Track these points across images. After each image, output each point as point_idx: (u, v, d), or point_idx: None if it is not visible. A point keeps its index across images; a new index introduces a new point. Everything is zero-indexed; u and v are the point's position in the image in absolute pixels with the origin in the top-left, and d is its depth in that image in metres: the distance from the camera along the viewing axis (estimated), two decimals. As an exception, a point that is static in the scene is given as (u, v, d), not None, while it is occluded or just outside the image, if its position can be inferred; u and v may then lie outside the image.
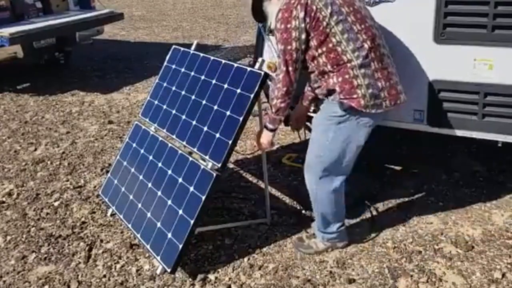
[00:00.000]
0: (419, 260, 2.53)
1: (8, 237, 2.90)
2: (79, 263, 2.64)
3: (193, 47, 3.04)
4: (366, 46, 2.22)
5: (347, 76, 2.23)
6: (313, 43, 2.24)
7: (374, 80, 2.23)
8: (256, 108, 2.60)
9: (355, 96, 2.22)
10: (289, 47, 2.25)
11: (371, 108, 2.23)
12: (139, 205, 2.75)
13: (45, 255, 2.71)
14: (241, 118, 2.45)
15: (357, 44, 2.21)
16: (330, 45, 2.21)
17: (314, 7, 2.19)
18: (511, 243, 2.63)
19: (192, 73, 2.89)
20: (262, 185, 2.84)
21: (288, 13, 2.22)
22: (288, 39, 2.23)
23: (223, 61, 2.74)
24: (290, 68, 2.27)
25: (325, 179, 2.43)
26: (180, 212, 2.48)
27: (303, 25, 2.20)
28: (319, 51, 2.24)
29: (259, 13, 2.51)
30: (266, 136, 2.51)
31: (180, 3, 12.36)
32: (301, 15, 2.19)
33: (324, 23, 2.20)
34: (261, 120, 2.70)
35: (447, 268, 2.46)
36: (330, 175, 2.41)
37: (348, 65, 2.22)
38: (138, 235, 2.66)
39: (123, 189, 2.94)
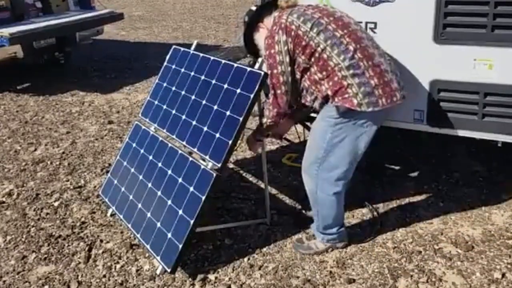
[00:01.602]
0: (419, 260, 2.53)
1: (8, 237, 2.90)
2: (79, 263, 2.64)
3: (193, 47, 3.04)
4: (350, 48, 2.24)
5: (336, 79, 2.24)
6: (302, 58, 2.31)
7: (366, 79, 2.22)
8: (256, 108, 2.60)
9: (346, 96, 2.22)
10: (275, 71, 2.35)
11: (366, 107, 2.21)
12: (139, 205, 2.75)
13: (45, 255, 2.71)
14: (241, 118, 2.45)
15: (341, 48, 2.24)
16: (317, 54, 2.27)
17: (293, 27, 2.30)
18: (511, 243, 2.63)
19: (192, 73, 2.89)
20: (262, 185, 2.84)
21: (271, 39, 2.34)
22: (274, 63, 2.34)
23: (223, 61, 2.74)
24: (278, 91, 2.38)
25: (325, 182, 2.42)
26: (180, 212, 2.48)
27: (286, 47, 2.31)
28: (309, 62, 2.31)
29: (251, 46, 2.62)
30: (255, 144, 2.69)
31: (180, 3, 12.36)
32: (283, 38, 2.31)
33: (306, 38, 2.28)
34: (261, 120, 2.70)
35: (447, 268, 2.46)
36: (330, 178, 2.40)
37: (336, 68, 2.24)
38: (138, 235, 2.66)
39: (123, 189, 2.94)
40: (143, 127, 3.08)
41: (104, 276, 2.53)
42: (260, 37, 2.51)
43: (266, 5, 2.55)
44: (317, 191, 2.46)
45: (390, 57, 2.46)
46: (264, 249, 2.67)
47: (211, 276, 2.48)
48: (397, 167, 3.47)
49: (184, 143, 2.70)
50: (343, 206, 2.54)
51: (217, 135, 2.52)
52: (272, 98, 2.41)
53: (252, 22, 2.53)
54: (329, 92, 2.26)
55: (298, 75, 2.38)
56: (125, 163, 3.05)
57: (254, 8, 2.59)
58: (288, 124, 2.80)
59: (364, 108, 2.21)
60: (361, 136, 2.31)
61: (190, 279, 2.46)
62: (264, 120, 2.47)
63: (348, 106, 2.22)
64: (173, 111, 2.88)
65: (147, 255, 2.66)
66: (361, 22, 2.63)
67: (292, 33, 2.29)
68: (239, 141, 2.53)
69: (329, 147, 2.34)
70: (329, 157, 2.36)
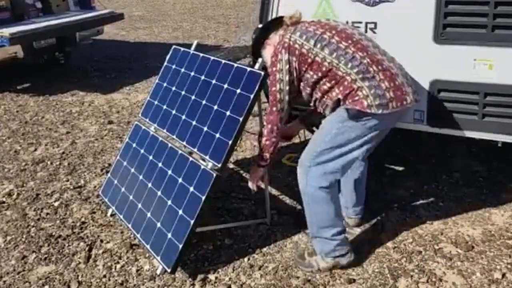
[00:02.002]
0: (419, 260, 2.53)
1: (8, 237, 2.90)
2: (79, 263, 2.64)
3: (193, 47, 3.04)
4: (357, 56, 2.24)
5: (346, 83, 2.24)
6: (310, 73, 2.32)
7: (376, 82, 2.20)
8: (256, 108, 2.60)
9: (357, 98, 2.20)
10: (273, 89, 2.38)
11: (377, 109, 2.18)
12: (139, 205, 2.75)
13: (45, 255, 2.71)
14: (241, 118, 2.45)
15: (347, 57, 2.24)
16: (324, 68, 2.27)
17: (297, 45, 2.32)
18: (511, 243, 2.63)
19: (192, 73, 2.89)
20: (262, 185, 2.84)
21: (275, 57, 2.38)
22: (273, 81, 2.37)
23: (223, 61, 2.74)
24: (274, 108, 2.40)
25: (314, 175, 2.35)
26: (180, 212, 2.48)
27: (287, 66, 2.33)
28: (317, 76, 2.31)
29: (258, 57, 2.64)
30: (256, 172, 2.60)
31: (180, 3, 12.36)
32: (285, 57, 2.33)
33: (311, 54, 2.29)
34: (261, 120, 2.70)
35: (447, 268, 2.47)
36: (321, 170, 2.34)
37: (345, 75, 2.24)
38: (138, 235, 2.66)
39: (123, 189, 2.94)
40: (143, 127, 3.08)
41: (104, 276, 2.53)
42: (267, 54, 2.53)
43: (272, 23, 2.59)
44: (307, 186, 2.39)
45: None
46: (264, 249, 2.67)
47: (211, 276, 2.48)
48: (397, 167, 3.47)
49: (184, 143, 2.70)
50: (338, 208, 2.44)
51: (217, 135, 2.52)
52: (268, 114, 2.42)
53: (259, 40, 2.57)
54: (340, 96, 2.25)
55: (308, 90, 2.38)
56: (125, 163, 3.05)
57: (260, 26, 2.65)
58: (298, 128, 2.83)
59: (374, 110, 2.18)
60: (366, 137, 2.28)
61: (190, 279, 2.46)
62: (260, 139, 2.47)
63: (358, 108, 2.19)
64: (173, 111, 2.88)
65: (147, 255, 2.66)
66: (361, 22, 2.64)
67: (296, 51, 2.31)
68: (239, 141, 2.53)
69: (331, 141, 2.31)
70: (327, 150, 2.32)
